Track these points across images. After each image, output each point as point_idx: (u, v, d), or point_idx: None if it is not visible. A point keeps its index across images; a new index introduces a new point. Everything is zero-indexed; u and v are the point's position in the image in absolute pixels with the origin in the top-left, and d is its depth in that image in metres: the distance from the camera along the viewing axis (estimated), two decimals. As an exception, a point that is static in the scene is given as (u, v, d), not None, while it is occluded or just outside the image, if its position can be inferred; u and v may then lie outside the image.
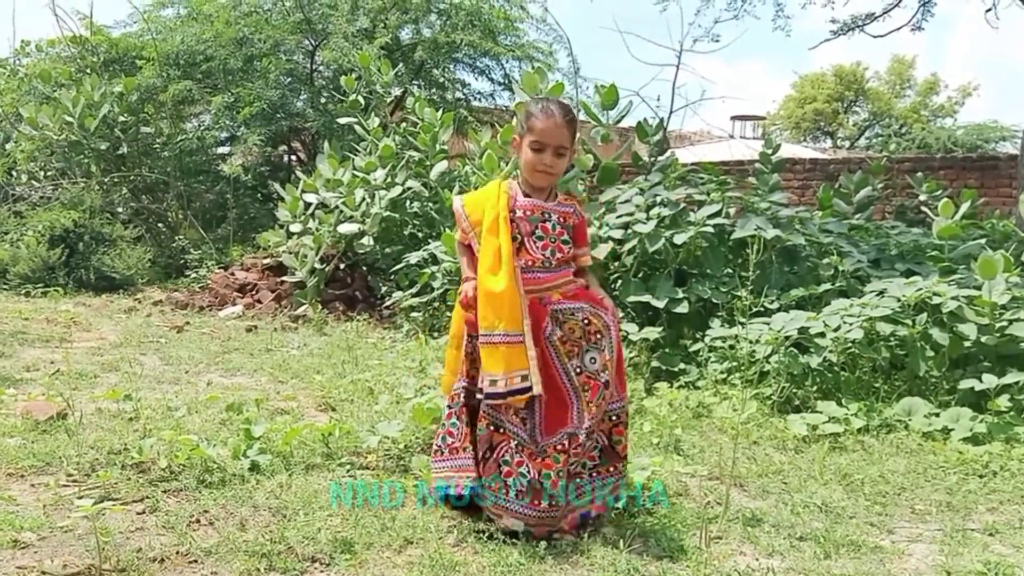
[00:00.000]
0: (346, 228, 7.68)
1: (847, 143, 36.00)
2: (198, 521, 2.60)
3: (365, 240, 7.67)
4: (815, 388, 4.28)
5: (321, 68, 11.79)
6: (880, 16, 10.32)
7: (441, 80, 12.17)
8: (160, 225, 11.43)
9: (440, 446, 2.62)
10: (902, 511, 2.93)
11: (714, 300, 4.98)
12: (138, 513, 2.66)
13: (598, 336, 2.57)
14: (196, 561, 2.32)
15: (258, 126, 10.61)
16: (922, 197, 7.50)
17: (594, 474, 2.61)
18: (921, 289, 4.30)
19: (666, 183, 5.77)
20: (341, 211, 7.86)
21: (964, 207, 5.45)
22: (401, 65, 10.52)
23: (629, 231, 5.21)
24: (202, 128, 11.66)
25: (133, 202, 11.33)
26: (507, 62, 12.35)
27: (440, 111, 8.06)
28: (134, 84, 10.59)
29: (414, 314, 6.67)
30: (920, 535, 2.70)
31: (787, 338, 4.32)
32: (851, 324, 4.21)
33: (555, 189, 2.74)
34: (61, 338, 5.99)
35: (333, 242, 7.94)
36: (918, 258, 5.37)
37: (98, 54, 11.38)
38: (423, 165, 7.89)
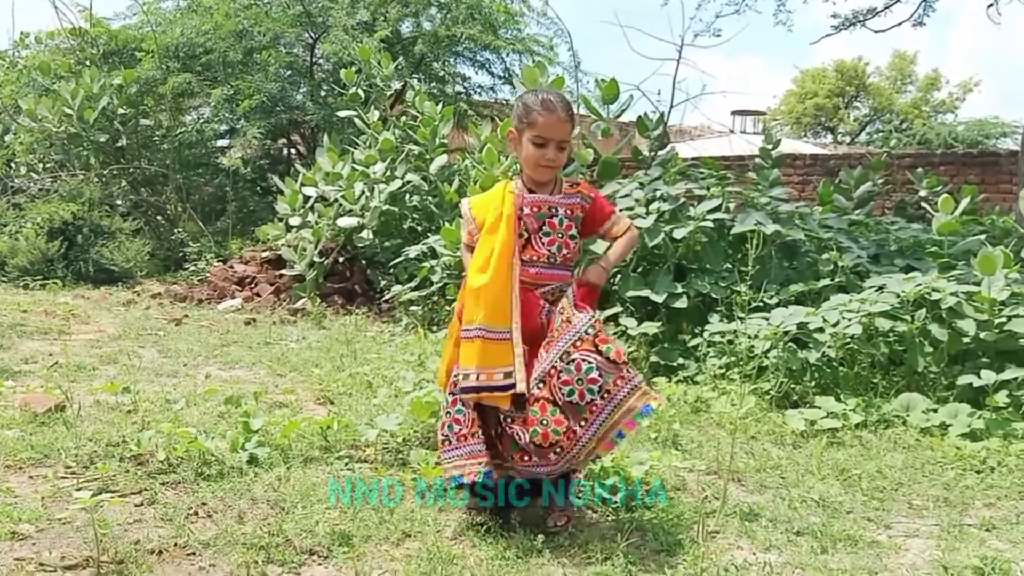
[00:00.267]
0: (345, 222, 7.68)
1: (848, 138, 35.97)
2: (196, 513, 2.60)
3: (364, 234, 7.66)
4: (813, 383, 4.28)
5: (321, 61, 11.76)
6: (881, 11, 10.28)
7: (441, 74, 12.14)
8: (159, 218, 11.42)
9: (447, 435, 2.56)
10: (899, 506, 2.93)
11: (713, 295, 4.98)
12: (136, 505, 2.67)
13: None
14: (194, 553, 2.33)
15: (257, 119, 10.58)
16: (922, 193, 7.49)
17: (602, 399, 2.42)
18: (920, 285, 4.30)
19: (666, 178, 5.77)
20: (340, 204, 7.85)
21: (964, 203, 5.44)
22: (401, 58, 10.49)
23: (629, 226, 5.21)
24: (201, 121, 11.64)
25: (132, 194, 11.32)
26: (507, 56, 12.32)
27: (440, 105, 8.04)
28: (133, 76, 10.56)
29: (413, 308, 6.67)
30: (917, 530, 2.71)
31: (786, 333, 4.32)
32: (850, 319, 4.22)
33: (558, 180, 2.71)
34: (60, 330, 5.99)
35: (332, 235, 7.94)
36: (918, 254, 5.38)
37: (97, 46, 11.36)
38: (423, 159, 7.88)
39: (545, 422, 2.42)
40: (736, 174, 6.65)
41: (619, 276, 5.21)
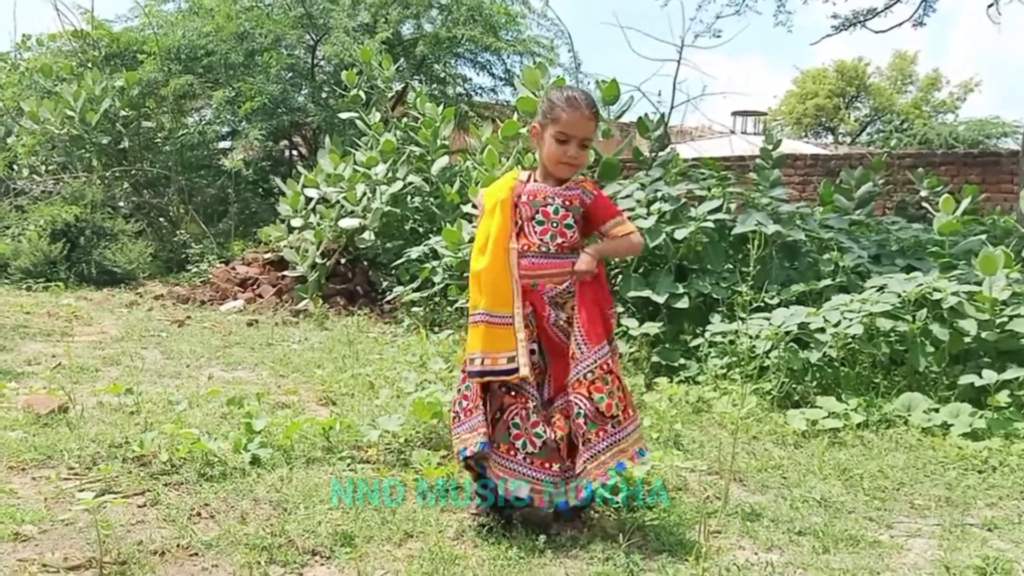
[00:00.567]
0: (347, 223, 7.68)
1: (848, 139, 35.95)
2: (199, 514, 2.61)
3: (366, 235, 7.67)
4: (815, 383, 4.28)
5: (322, 63, 11.77)
6: (882, 11, 10.29)
7: (442, 75, 12.16)
8: (161, 219, 11.44)
9: (457, 411, 2.60)
10: (901, 506, 2.94)
11: (714, 295, 4.98)
12: (139, 506, 2.67)
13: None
14: (197, 554, 2.33)
15: (259, 121, 10.60)
16: (923, 193, 7.49)
17: (583, 445, 2.48)
18: (921, 285, 4.30)
19: (667, 178, 5.77)
20: (342, 206, 7.86)
21: (965, 203, 5.44)
22: (402, 60, 10.51)
23: (630, 226, 5.21)
24: (203, 123, 11.66)
25: (134, 196, 11.34)
26: (508, 57, 12.34)
27: (441, 106, 8.05)
28: (135, 78, 10.58)
29: (415, 309, 6.68)
30: (919, 530, 2.71)
31: (787, 333, 4.33)
32: (851, 319, 4.22)
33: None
34: (62, 332, 6.00)
35: (334, 237, 7.95)
36: (918, 254, 5.37)
37: (99, 48, 11.38)
38: (424, 160, 7.88)
39: (563, 439, 2.52)
40: (737, 175, 6.64)
41: (620, 276, 5.21)
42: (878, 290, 4.47)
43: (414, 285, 6.78)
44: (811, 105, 36.79)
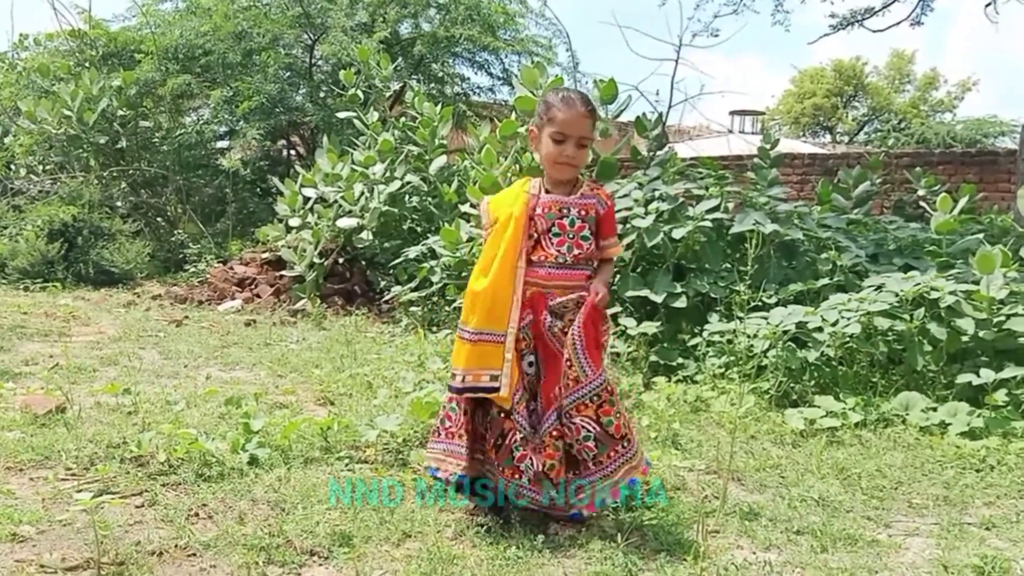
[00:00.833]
0: (345, 222, 7.68)
1: (846, 138, 35.97)
2: (197, 515, 2.60)
3: (364, 234, 7.67)
4: (813, 382, 4.29)
5: (320, 62, 11.77)
6: (879, 11, 10.31)
7: (440, 74, 12.15)
8: (159, 219, 11.42)
9: (438, 427, 2.62)
10: (899, 505, 2.94)
11: (712, 295, 4.99)
12: (137, 507, 2.67)
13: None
14: (195, 554, 2.33)
15: (257, 120, 10.59)
16: (920, 192, 7.50)
17: (594, 465, 2.52)
18: (919, 284, 4.30)
19: (665, 178, 5.77)
20: (340, 205, 7.85)
21: (962, 202, 5.44)
22: (400, 59, 10.50)
23: (627, 225, 5.21)
24: (201, 122, 11.64)
25: (132, 196, 11.32)
26: (506, 57, 12.34)
27: (439, 105, 8.05)
28: (133, 78, 10.57)
29: (413, 308, 6.68)
30: (917, 529, 2.71)
31: (785, 332, 4.33)
32: (849, 319, 4.22)
33: (580, 181, 2.68)
34: (60, 332, 5.99)
35: (332, 236, 7.94)
36: (916, 253, 5.38)
37: (97, 48, 11.36)
38: (422, 160, 7.88)
39: (561, 460, 2.52)
40: (734, 174, 6.65)
41: (618, 276, 5.21)
42: (876, 289, 4.47)
43: (412, 285, 6.78)
44: (809, 104, 36.83)
